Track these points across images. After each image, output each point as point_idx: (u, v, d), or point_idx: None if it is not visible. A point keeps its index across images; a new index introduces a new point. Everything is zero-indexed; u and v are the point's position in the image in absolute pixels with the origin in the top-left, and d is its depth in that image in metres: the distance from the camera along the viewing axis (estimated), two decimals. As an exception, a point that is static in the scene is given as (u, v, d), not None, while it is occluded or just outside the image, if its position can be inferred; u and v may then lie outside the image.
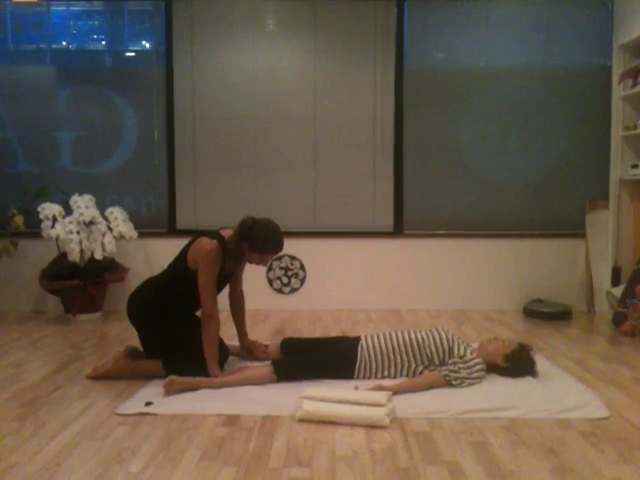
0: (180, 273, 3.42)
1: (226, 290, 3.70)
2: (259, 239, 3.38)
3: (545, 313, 5.12)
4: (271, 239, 3.41)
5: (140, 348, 3.64)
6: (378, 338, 3.45)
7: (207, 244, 3.33)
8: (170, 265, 3.57)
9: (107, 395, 3.18)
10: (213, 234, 3.42)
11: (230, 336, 3.86)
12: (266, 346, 3.79)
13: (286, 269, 5.50)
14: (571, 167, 5.50)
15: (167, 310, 3.45)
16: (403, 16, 5.42)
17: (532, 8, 5.44)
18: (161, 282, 3.53)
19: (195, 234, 3.51)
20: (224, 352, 3.58)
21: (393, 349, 3.40)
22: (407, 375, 3.37)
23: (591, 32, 5.42)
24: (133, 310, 3.54)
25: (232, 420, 2.84)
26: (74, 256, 4.91)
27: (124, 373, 3.44)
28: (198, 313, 3.45)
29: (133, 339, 4.22)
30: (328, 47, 5.47)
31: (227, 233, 3.46)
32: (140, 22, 5.62)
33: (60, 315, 5.20)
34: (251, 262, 3.53)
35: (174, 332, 3.42)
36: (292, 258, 5.47)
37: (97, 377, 3.44)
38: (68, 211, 5.04)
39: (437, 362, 3.36)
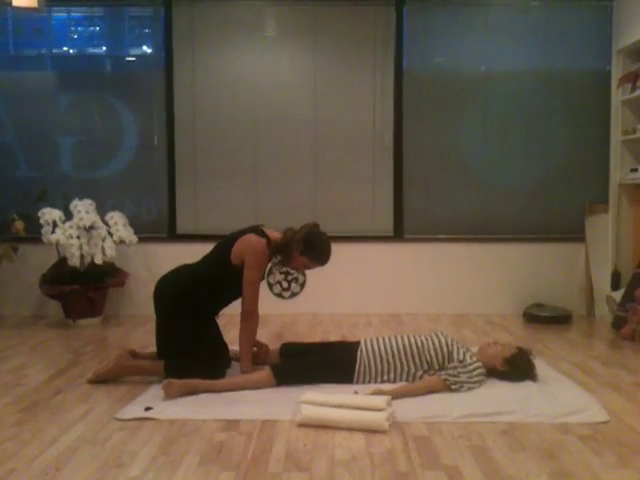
0: (221, 266, 3.44)
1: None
2: (317, 246, 3.48)
3: (545, 317, 5.11)
4: (325, 251, 3.51)
5: (139, 351, 3.67)
6: (378, 342, 3.45)
7: (258, 242, 3.39)
8: (208, 258, 3.58)
9: (106, 400, 3.18)
10: (258, 231, 3.47)
11: (229, 340, 3.83)
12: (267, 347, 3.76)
13: (286, 273, 5.49)
14: (571, 171, 5.50)
15: (198, 301, 3.45)
16: (402, 20, 5.43)
17: (531, 13, 5.45)
18: (199, 272, 3.53)
19: (235, 234, 3.52)
20: (227, 358, 3.59)
21: (393, 353, 3.40)
22: (407, 379, 3.37)
23: (590, 36, 5.43)
24: (164, 292, 3.51)
25: (231, 425, 2.84)
26: (74, 261, 4.92)
27: (125, 371, 3.45)
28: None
29: (133, 344, 4.23)
30: (328, 51, 5.48)
31: (271, 233, 3.51)
32: (140, 27, 5.64)
33: (60, 320, 5.20)
34: (288, 265, 3.58)
35: (191, 329, 3.41)
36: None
37: (98, 378, 3.44)
38: (68, 216, 5.05)
39: (437, 366, 3.36)
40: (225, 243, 3.51)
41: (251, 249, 3.38)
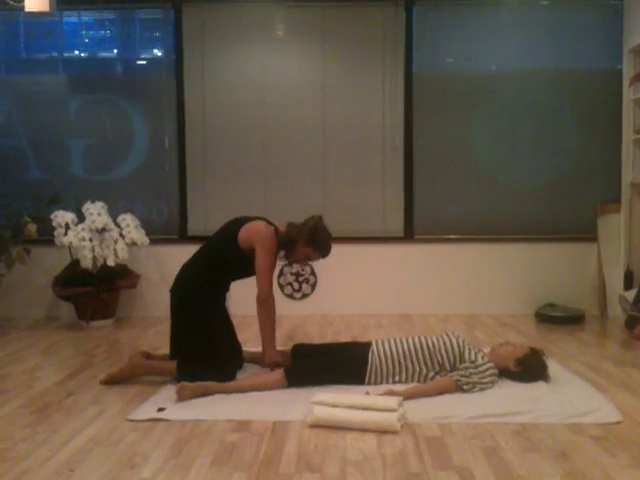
0: (227, 248, 3.45)
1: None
2: (321, 237, 3.51)
3: (557, 317, 5.09)
4: (328, 242, 3.57)
5: (152, 353, 3.69)
6: (389, 343, 3.45)
7: (266, 229, 3.42)
8: (212, 241, 3.60)
9: (119, 401, 3.19)
10: (266, 220, 3.50)
11: (242, 341, 3.84)
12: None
13: (297, 275, 5.50)
14: (582, 171, 5.48)
15: (202, 292, 3.45)
16: (412, 21, 5.43)
17: (542, 12, 5.44)
18: (200, 260, 3.54)
19: (241, 219, 3.55)
20: (240, 359, 3.61)
21: (404, 354, 3.39)
22: (418, 380, 3.36)
23: (601, 36, 5.40)
24: (175, 295, 3.53)
25: (243, 425, 2.85)
26: (87, 263, 4.94)
27: (138, 370, 3.47)
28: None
29: (145, 345, 4.25)
30: (337, 53, 5.49)
31: (277, 225, 3.54)
32: (151, 30, 5.67)
33: (73, 321, 5.23)
34: (291, 258, 3.61)
35: (203, 328, 3.42)
36: (303, 263, 5.47)
37: (111, 379, 3.46)
38: (80, 218, 5.08)
39: (448, 367, 3.35)
40: (231, 227, 3.53)
41: (260, 236, 3.40)
